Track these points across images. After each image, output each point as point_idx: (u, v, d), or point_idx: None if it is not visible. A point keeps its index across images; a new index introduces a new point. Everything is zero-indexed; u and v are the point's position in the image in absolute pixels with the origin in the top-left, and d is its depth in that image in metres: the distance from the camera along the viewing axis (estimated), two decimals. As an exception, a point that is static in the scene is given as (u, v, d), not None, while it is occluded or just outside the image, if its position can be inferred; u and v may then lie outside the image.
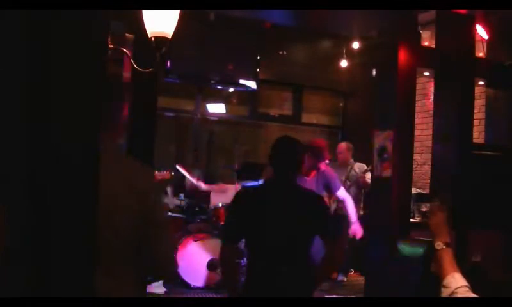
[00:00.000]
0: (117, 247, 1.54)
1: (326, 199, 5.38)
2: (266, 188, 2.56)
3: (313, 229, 2.41)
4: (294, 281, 2.34)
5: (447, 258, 1.62)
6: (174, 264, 1.68)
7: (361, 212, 6.08)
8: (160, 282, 5.07)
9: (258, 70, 6.62)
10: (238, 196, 2.61)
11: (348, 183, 5.85)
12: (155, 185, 1.69)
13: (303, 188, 2.63)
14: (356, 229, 4.82)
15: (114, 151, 1.64)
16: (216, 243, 5.14)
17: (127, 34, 3.37)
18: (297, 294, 2.30)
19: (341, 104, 8.00)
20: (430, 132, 5.78)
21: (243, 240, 2.61)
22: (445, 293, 1.54)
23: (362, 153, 5.97)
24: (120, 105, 1.71)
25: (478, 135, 5.80)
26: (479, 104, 5.78)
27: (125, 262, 1.57)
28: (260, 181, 5.20)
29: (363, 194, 6.16)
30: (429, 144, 5.84)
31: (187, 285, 5.10)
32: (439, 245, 1.66)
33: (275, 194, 2.42)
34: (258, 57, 6.63)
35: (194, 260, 5.14)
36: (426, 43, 5.48)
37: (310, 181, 4.43)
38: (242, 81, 6.55)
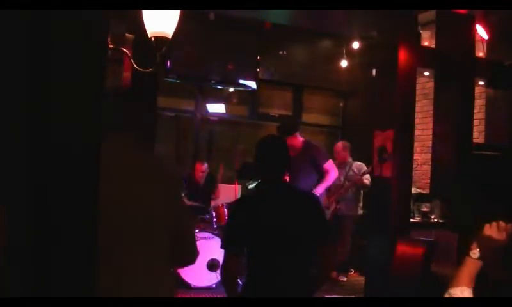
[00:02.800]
0: (157, 240, 1.62)
1: (325, 199, 5.38)
2: (263, 192, 2.54)
3: (310, 230, 2.40)
4: (294, 283, 2.34)
5: (471, 271, 1.53)
6: (197, 251, 1.79)
7: (361, 212, 6.08)
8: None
9: (258, 70, 6.62)
10: (236, 205, 2.61)
11: (347, 183, 5.85)
12: (180, 179, 1.85)
13: (299, 190, 2.62)
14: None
15: (143, 151, 1.72)
16: (216, 243, 5.14)
17: (127, 34, 3.38)
18: (297, 295, 2.30)
19: (341, 104, 8.00)
20: (430, 132, 5.79)
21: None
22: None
23: (362, 153, 5.97)
24: (143, 106, 1.80)
25: (478, 135, 5.80)
26: (479, 104, 5.78)
27: (164, 256, 1.65)
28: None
29: (363, 194, 6.16)
30: (429, 144, 5.84)
31: (187, 285, 5.10)
32: (474, 253, 1.55)
33: (273, 198, 2.41)
34: (258, 57, 6.63)
35: (194, 260, 5.14)
36: (426, 43, 5.49)
37: (296, 159, 4.50)
38: (242, 81, 6.55)
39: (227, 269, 2.37)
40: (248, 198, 2.65)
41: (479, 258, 1.55)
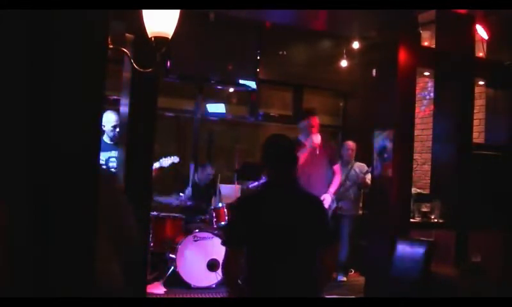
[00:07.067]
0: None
1: (328, 197, 5.38)
2: (268, 191, 2.53)
3: (313, 232, 2.40)
4: (294, 283, 2.34)
5: None
6: (136, 235, 1.88)
7: (361, 212, 6.08)
8: (160, 282, 5.07)
9: (258, 70, 6.62)
10: (240, 201, 2.61)
11: (348, 182, 5.86)
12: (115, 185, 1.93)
13: (304, 191, 2.61)
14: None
15: None
16: (216, 243, 5.14)
17: (127, 34, 3.37)
18: (298, 295, 2.30)
19: (341, 104, 7.99)
20: (430, 132, 5.79)
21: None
22: None
23: (362, 153, 5.96)
24: None
25: (478, 135, 5.79)
26: (479, 104, 5.78)
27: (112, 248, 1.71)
28: (262, 180, 5.21)
29: (363, 194, 6.17)
30: (429, 144, 5.84)
31: (187, 285, 5.10)
32: None
33: (277, 198, 2.41)
34: (258, 57, 6.63)
35: (194, 260, 5.14)
36: (426, 43, 5.49)
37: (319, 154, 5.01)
38: (242, 81, 6.55)
39: (228, 266, 2.38)
40: (251, 197, 2.66)
41: None
